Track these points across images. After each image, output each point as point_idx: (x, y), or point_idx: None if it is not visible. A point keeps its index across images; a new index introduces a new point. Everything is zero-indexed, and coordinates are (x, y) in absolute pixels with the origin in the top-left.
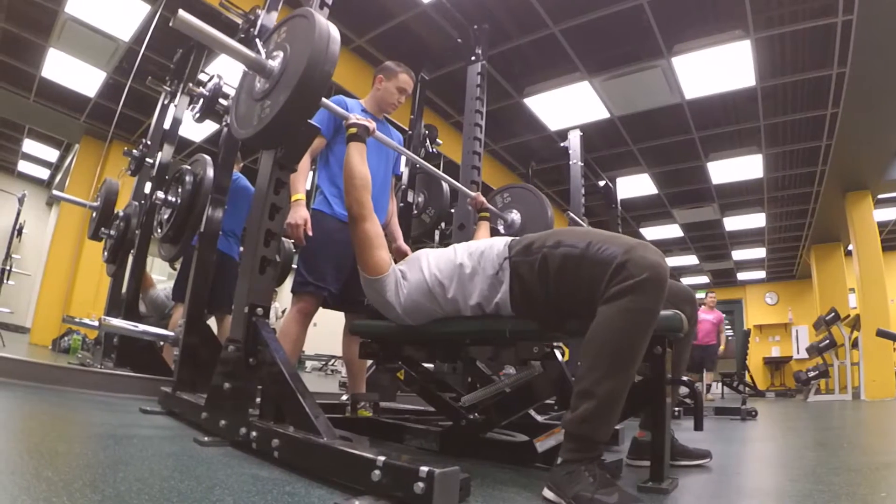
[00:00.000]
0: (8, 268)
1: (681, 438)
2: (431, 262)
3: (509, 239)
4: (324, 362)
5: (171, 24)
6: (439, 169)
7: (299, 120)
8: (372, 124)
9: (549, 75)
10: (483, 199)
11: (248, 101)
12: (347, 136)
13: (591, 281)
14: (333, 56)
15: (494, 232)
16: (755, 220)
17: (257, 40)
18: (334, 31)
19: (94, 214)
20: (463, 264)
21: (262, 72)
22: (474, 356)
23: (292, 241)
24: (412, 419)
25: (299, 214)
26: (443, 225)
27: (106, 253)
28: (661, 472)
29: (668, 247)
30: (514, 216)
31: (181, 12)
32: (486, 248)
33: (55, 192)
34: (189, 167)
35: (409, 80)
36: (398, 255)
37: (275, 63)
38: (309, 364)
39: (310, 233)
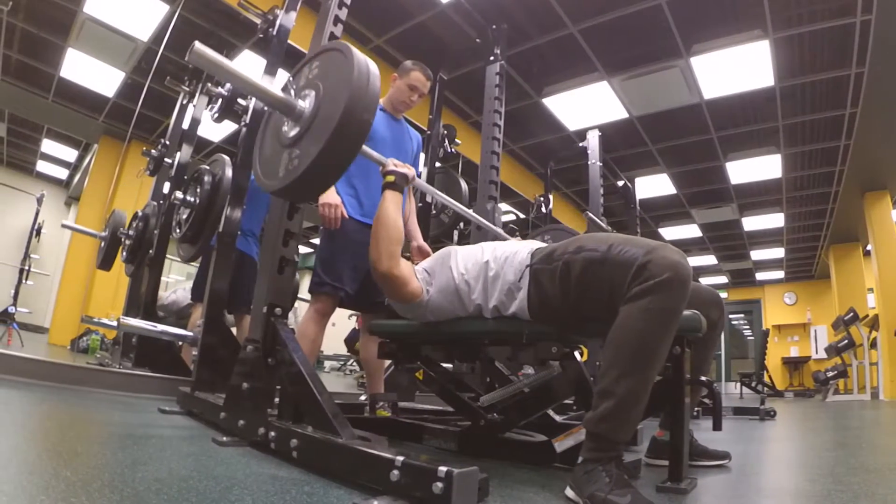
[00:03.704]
0: (27, 268)
1: (700, 439)
2: (460, 261)
3: (534, 247)
4: (342, 362)
5: (185, 60)
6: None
7: (333, 176)
8: (411, 171)
9: (568, 75)
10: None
11: (273, 144)
12: (384, 183)
13: (612, 283)
14: (374, 99)
15: None
16: (774, 220)
17: (291, 79)
18: (374, 69)
19: (102, 244)
20: (489, 265)
21: (290, 114)
22: (493, 356)
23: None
24: (431, 419)
25: (333, 195)
26: (461, 225)
27: (125, 253)
28: (680, 472)
29: (686, 247)
30: None
31: (197, 44)
32: (511, 254)
33: (63, 223)
34: (208, 167)
35: (421, 78)
36: (419, 255)
37: (305, 104)
38: (327, 364)
39: (345, 215)
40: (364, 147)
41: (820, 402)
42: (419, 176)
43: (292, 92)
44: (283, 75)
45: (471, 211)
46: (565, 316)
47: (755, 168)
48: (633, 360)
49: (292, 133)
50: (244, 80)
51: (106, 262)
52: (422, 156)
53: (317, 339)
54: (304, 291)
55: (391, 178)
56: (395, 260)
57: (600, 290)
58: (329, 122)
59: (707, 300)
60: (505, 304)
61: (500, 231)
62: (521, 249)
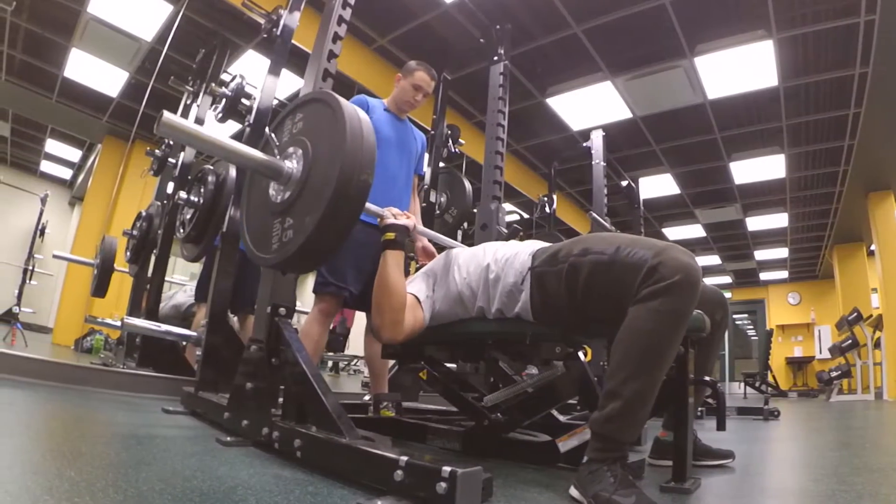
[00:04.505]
0: (31, 268)
1: (704, 438)
2: (462, 265)
3: (536, 248)
4: (346, 362)
5: (154, 131)
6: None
7: (335, 246)
8: (412, 222)
9: (572, 75)
10: None
11: (261, 212)
12: (383, 241)
13: (621, 286)
14: (370, 155)
15: None
16: (778, 220)
17: (272, 134)
18: (365, 121)
19: (95, 272)
20: (489, 268)
21: (277, 178)
22: (497, 356)
23: None
24: (435, 419)
25: None
26: (465, 225)
27: (128, 253)
28: (684, 473)
29: (690, 247)
30: None
31: (165, 114)
32: (511, 255)
33: (55, 254)
34: (211, 167)
35: (425, 78)
36: (424, 256)
37: (293, 165)
38: (331, 364)
39: None
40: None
41: (824, 402)
42: (423, 176)
43: (275, 150)
44: (286, 75)
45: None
46: (570, 317)
47: (759, 168)
48: (641, 361)
49: (280, 198)
50: (221, 146)
51: (99, 290)
52: (426, 156)
53: (320, 340)
54: (306, 294)
55: (391, 235)
56: (399, 327)
57: (608, 293)
58: (324, 190)
59: (711, 300)
60: (507, 307)
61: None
62: (521, 251)
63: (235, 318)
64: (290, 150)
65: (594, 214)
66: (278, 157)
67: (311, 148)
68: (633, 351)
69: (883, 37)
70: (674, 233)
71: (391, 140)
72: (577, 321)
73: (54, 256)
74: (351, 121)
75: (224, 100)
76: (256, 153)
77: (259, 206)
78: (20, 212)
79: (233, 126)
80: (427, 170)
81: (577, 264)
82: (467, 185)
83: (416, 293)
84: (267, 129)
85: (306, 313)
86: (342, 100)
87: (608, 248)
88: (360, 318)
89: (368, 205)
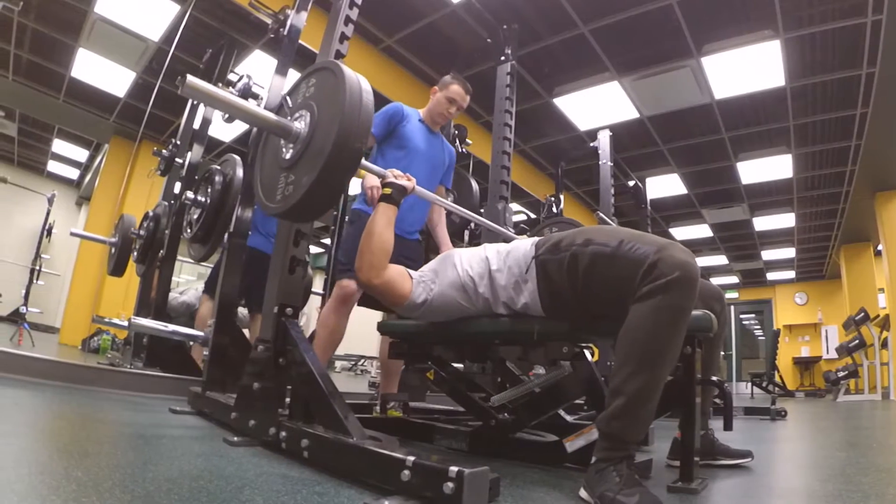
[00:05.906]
0: (37, 268)
1: None
2: (464, 260)
3: (537, 238)
4: (353, 362)
5: (178, 93)
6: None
7: (329, 203)
8: (411, 183)
9: (579, 75)
10: None
11: (272, 166)
12: (381, 195)
13: (621, 279)
14: (366, 123)
15: None
16: (785, 220)
17: (287, 98)
18: (366, 87)
19: (112, 250)
20: (490, 261)
21: (286, 137)
22: (504, 356)
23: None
24: (442, 419)
25: (374, 179)
26: (472, 225)
27: (135, 253)
28: (691, 473)
29: (697, 247)
30: None
31: (189, 77)
32: (512, 248)
33: (73, 231)
34: (218, 167)
35: (459, 91)
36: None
37: (300, 126)
38: (338, 364)
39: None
40: (364, 162)
41: (831, 402)
42: (450, 189)
43: (288, 110)
44: (293, 75)
45: (474, 213)
46: (576, 311)
47: (766, 168)
48: (643, 358)
49: (289, 155)
50: (239, 107)
51: (117, 269)
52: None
53: (336, 331)
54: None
55: (388, 191)
56: (375, 270)
57: (608, 286)
58: (322, 151)
59: (708, 294)
60: (514, 299)
61: (508, 231)
62: (522, 243)
63: (246, 313)
64: (300, 112)
65: (601, 214)
66: (290, 118)
67: (317, 111)
68: (635, 348)
69: (890, 37)
70: (681, 233)
71: (421, 150)
72: (583, 316)
73: (71, 234)
74: (351, 89)
75: None
76: (268, 114)
77: (271, 161)
78: (27, 212)
79: (239, 126)
80: None
81: (579, 254)
82: (474, 185)
83: (410, 272)
84: (283, 92)
85: (319, 293)
86: (347, 69)
87: (611, 240)
88: (368, 319)
89: (371, 166)
